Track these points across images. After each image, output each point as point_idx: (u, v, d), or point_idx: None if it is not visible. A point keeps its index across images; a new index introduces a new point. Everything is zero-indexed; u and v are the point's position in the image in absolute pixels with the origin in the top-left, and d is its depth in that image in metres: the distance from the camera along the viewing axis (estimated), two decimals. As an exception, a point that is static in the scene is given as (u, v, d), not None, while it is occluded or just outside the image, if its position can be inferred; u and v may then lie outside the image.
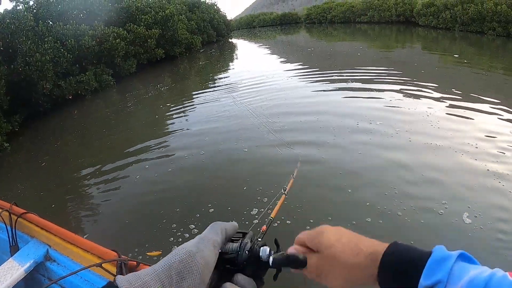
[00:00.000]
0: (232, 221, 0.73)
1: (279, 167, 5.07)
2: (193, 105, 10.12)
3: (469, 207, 3.72)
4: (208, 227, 0.69)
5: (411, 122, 6.18)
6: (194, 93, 11.74)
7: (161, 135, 7.66)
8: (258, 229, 1.00)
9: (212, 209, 4.22)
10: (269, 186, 4.51)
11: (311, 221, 3.70)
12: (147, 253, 3.54)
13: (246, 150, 5.93)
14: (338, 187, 4.34)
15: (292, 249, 0.66)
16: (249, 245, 0.68)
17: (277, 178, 4.55)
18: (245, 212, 4.02)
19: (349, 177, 4.57)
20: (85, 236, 3.93)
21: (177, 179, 5.34)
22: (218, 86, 12.20)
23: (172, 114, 9.29)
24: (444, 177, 4.33)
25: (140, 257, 3.46)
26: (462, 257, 0.48)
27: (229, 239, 0.72)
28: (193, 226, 3.93)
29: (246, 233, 0.73)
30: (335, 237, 0.60)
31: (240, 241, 0.70)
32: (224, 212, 4.15)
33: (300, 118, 7.15)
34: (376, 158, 5.00)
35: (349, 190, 4.18)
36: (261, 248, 0.68)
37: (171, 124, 8.46)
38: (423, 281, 0.46)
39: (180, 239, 3.71)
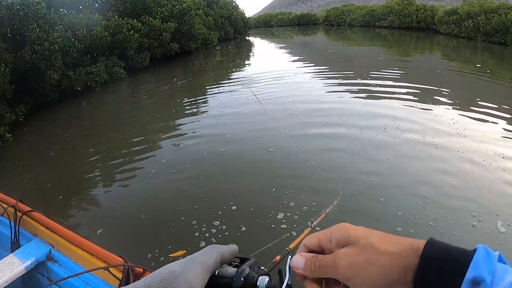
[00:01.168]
0: (232, 244, 0.69)
1: (307, 172, 4.77)
2: (209, 101, 9.79)
3: (497, 214, 3.64)
4: (204, 249, 0.64)
5: (437, 129, 6.07)
6: (210, 89, 11.36)
7: (176, 130, 7.40)
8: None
9: (235, 207, 4.05)
10: (298, 191, 4.26)
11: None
12: (170, 255, 3.31)
13: (271, 150, 5.61)
14: (369, 195, 4.13)
15: (298, 257, 0.56)
16: (246, 271, 0.63)
17: (307, 183, 4.43)
18: (270, 215, 3.79)
19: (378, 185, 4.37)
20: (99, 232, 3.80)
21: (195, 175, 5.07)
22: (235, 82, 11.77)
23: (188, 110, 8.97)
24: (473, 186, 4.27)
25: (162, 258, 3.28)
26: (499, 259, 0.43)
27: (228, 262, 0.68)
28: (218, 222, 3.76)
29: (248, 259, 0.69)
30: (364, 230, 0.52)
31: (238, 266, 0.65)
32: (247, 212, 3.94)
33: (326, 119, 6.86)
34: (404, 166, 4.89)
35: (382, 200, 3.98)
36: (260, 277, 0.62)
37: (187, 119, 8.12)
38: (469, 274, 0.41)
39: (207, 235, 3.56)
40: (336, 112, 7.20)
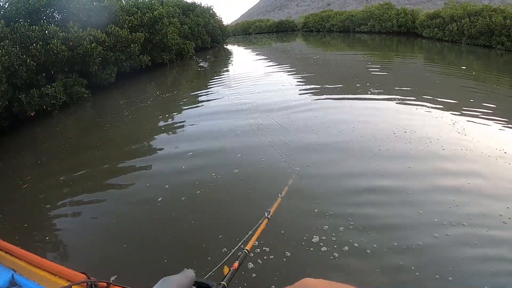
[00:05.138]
0: (187, 269, 0.73)
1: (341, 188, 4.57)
2: (190, 116, 8.90)
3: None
4: (158, 283, 0.64)
5: (440, 131, 6.19)
6: (188, 103, 10.45)
7: (164, 151, 6.58)
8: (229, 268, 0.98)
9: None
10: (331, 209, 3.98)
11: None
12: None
13: (297, 169, 5.02)
14: (405, 203, 4.07)
15: None
16: None
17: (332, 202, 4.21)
18: (305, 238, 3.49)
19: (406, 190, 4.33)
20: (112, 279, 3.11)
21: (211, 200, 4.50)
22: (217, 100, 10.48)
23: (167, 128, 8.09)
24: (487, 182, 4.40)
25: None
26: None
27: None
28: (256, 242, 3.27)
29: (207, 284, 0.73)
30: (324, 283, 0.54)
31: None
32: (278, 234, 3.56)
33: (342, 126, 6.71)
34: (422, 170, 4.82)
35: (420, 211, 3.83)
36: None
37: (171, 138, 7.32)
38: None
39: (252, 254, 3.23)
40: (352, 127, 6.75)
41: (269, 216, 1.60)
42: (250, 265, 3.14)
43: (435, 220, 3.63)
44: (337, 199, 4.25)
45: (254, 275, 3.04)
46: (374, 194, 4.27)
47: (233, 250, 1.44)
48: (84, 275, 1.29)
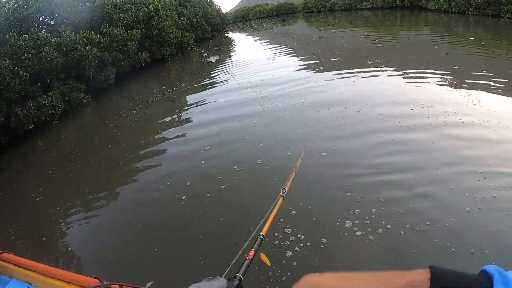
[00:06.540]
0: (218, 278, 0.68)
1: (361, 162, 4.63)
2: (200, 113, 8.29)
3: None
4: None
5: (457, 103, 6.12)
6: (196, 98, 9.77)
7: (180, 148, 6.32)
8: (244, 255, 0.91)
9: (294, 212, 3.69)
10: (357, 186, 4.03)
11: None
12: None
13: (324, 153, 4.92)
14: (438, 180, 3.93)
15: None
16: None
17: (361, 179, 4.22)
18: (337, 223, 3.40)
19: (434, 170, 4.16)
20: (148, 285, 3.11)
21: (236, 194, 4.29)
22: (225, 89, 10.08)
23: (176, 125, 7.80)
24: (509, 152, 4.40)
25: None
26: None
27: None
28: (289, 230, 3.39)
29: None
30: (333, 276, 0.50)
31: None
32: (308, 219, 3.54)
33: (360, 106, 6.58)
34: (446, 145, 4.73)
35: (451, 187, 3.76)
36: None
37: (184, 138, 6.81)
38: None
39: (287, 242, 3.20)
40: (360, 99, 6.89)
41: (284, 195, 1.51)
42: (289, 253, 3.06)
43: (466, 194, 3.59)
44: (366, 176, 4.18)
45: (295, 263, 2.96)
46: (401, 171, 4.20)
47: (250, 238, 1.28)
48: (97, 280, 1.30)
